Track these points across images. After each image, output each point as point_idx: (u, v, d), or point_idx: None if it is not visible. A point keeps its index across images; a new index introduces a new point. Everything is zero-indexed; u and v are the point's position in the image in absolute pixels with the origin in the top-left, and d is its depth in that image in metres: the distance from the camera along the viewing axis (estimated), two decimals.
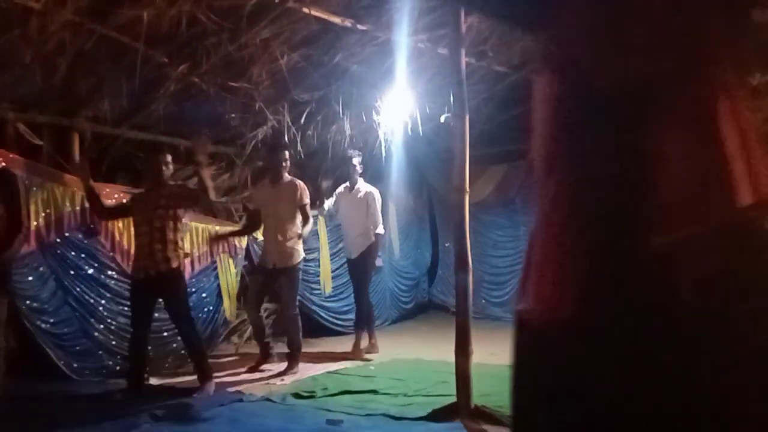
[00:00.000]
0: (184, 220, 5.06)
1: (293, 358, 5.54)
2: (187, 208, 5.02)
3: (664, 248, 1.03)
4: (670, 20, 1.06)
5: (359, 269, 6.38)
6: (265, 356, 5.68)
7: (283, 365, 5.54)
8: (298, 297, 6.04)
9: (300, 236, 5.59)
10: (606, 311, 1.10)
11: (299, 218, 5.65)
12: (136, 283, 4.83)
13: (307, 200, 5.64)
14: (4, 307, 4.08)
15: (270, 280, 5.67)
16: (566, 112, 1.17)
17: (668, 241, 1.03)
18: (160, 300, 4.88)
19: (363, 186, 6.41)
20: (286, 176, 5.69)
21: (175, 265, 4.77)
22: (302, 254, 5.75)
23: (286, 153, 5.73)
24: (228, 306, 6.31)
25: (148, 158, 5.10)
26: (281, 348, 5.80)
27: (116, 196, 5.49)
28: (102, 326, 5.31)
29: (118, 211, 5.12)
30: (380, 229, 6.41)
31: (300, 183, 5.68)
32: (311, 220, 5.79)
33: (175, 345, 5.71)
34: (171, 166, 5.00)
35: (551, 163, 1.20)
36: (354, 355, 6.12)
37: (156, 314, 5.62)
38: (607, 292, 1.10)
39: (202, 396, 4.58)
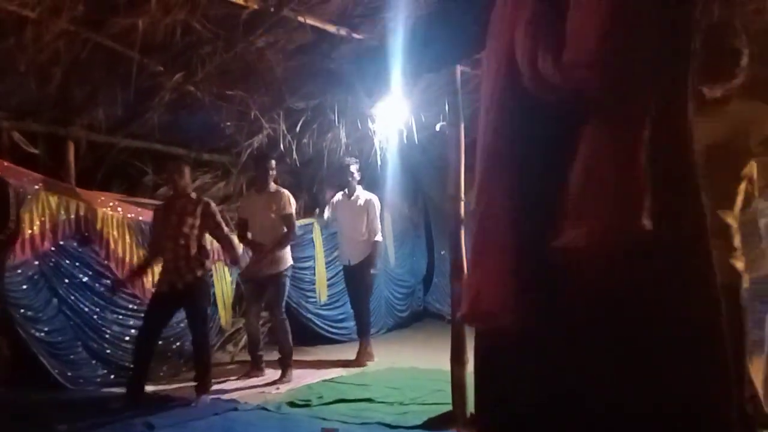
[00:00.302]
0: None
1: (286, 365, 5.53)
2: (206, 228, 4.92)
3: (568, 250, 1.05)
4: (608, 40, 1.03)
5: (359, 277, 6.38)
6: (256, 368, 5.67)
7: (276, 374, 5.53)
8: (294, 305, 6.02)
9: (280, 245, 5.59)
10: (532, 313, 1.13)
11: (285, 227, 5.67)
12: (160, 294, 4.79)
13: (290, 210, 5.62)
14: None
15: (260, 287, 5.66)
16: (506, 114, 1.18)
17: (570, 241, 1.05)
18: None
19: (362, 193, 6.42)
20: (273, 185, 5.69)
21: (200, 273, 4.77)
22: (290, 261, 5.75)
23: (273, 162, 5.72)
24: (223, 314, 6.30)
25: (167, 170, 5.06)
26: (274, 356, 5.79)
27: (111, 204, 5.49)
28: (96, 335, 5.30)
29: (156, 238, 5.04)
30: (378, 237, 6.42)
31: (285, 192, 5.68)
32: (293, 231, 5.74)
33: (169, 354, 5.71)
34: (189, 177, 4.96)
35: (490, 161, 1.22)
36: (357, 362, 6.12)
37: None
38: (532, 290, 1.13)
39: (197, 405, 4.56)
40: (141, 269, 5.17)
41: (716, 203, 2.21)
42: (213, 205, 4.95)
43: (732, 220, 2.26)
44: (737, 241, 2.25)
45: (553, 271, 1.10)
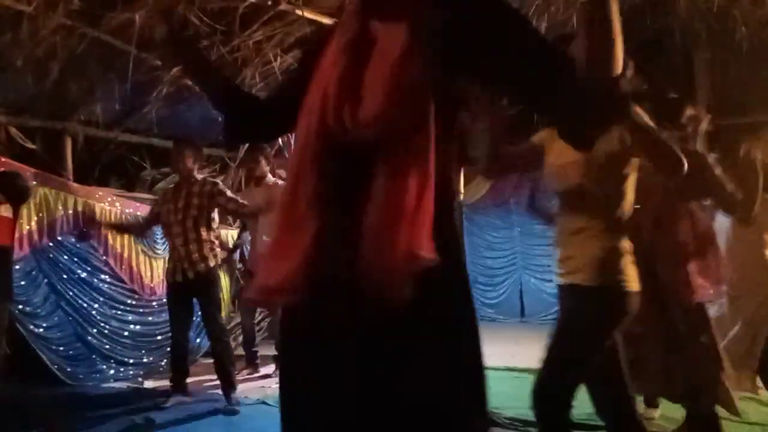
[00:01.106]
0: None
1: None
2: (216, 208, 4.70)
3: (357, 275, 1.19)
4: (391, 99, 1.22)
5: None
6: (251, 365, 5.66)
7: (271, 368, 5.54)
8: None
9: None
10: (312, 322, 1.31)
11: None
12: (174, 286, 4.59)
13: None
14: (5, 314, 4.06)
15: None
16: (316, 151, 1.33)
17: (360, 269, 1.19)
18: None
19: None
20: (270, 178, 5.66)
21: (212, 264, 4.57)
22: None
23: (264, 153, 5.66)
24: (222, 309, 6.30)
25: (172, 153, 4.78)
26: (271, 350, 5.79)
27: (109, 199, 5.47)
28: (95, 330, 5.30)
29: (152, 221, 4.83)
30: None
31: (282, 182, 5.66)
32: None
33: (168, 348, 5.69)
34: (195, 161, 4.67)
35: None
36: None
37: (149, 318, 5.61)
38: (317, 303, 1.29)
39: (229, 407, 4.44)
40: (143, 224, 5.00)
41: (611, 210, 2.30)
42: (221, 184, 4.71)
43: (622, 229, 2.32)
44: (625, 247, 2.30)
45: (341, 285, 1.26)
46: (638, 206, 2.75)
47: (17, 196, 4.14)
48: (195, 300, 4.66)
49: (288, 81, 1.63)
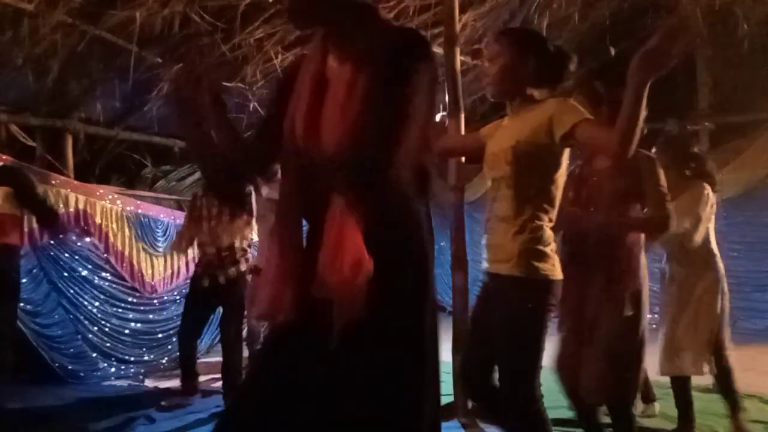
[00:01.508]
0: None
1: None
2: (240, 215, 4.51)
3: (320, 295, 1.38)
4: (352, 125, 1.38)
5: None
6: None
7: None
8: None
9: None
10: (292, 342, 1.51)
11: None
12: (200, 290, 4.43)
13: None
14: (14, 312, 4.06)
15: None
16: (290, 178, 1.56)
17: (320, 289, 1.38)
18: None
19: None
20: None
21: (244, 267, 4.46)
22: None
23: None
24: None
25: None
26: None
27: (110, 197, 5.47)
28: (96, 328, 5.30)
29: (192, 237, 4.60)
30: None
31: None
32: None
33: (170, 346, 5.70)
34: None
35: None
36: None
37: (150, 316, 5.59)
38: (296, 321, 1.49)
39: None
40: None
41: (537, 202, 2.29)
42: (252, 194, 4.61)
43: (548, 220, 2.30)
44: (548, 238, 2.29)
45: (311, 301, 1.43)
46: (592, 209, 2.77)
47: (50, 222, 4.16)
48: (215, 308, 4.59)
49: (267, 114, 1.75)
